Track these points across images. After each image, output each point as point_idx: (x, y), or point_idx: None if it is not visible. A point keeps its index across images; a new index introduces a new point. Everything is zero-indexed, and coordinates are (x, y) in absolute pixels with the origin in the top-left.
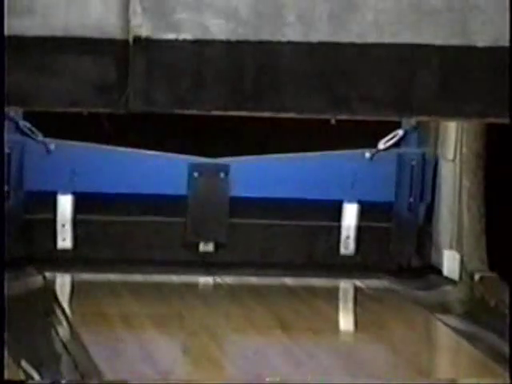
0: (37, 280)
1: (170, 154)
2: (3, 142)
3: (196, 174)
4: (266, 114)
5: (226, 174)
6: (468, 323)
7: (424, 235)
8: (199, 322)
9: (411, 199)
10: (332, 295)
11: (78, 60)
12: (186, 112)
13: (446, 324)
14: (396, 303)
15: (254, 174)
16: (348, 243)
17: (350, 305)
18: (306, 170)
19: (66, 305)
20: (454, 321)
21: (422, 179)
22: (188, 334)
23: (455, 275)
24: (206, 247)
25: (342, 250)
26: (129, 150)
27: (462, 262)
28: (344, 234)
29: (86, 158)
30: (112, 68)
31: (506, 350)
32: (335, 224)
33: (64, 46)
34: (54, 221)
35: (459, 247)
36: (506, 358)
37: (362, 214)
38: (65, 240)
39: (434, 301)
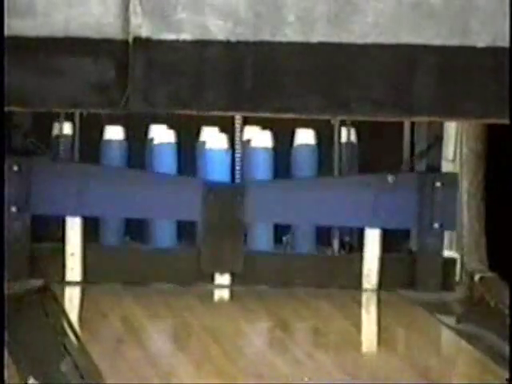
0: (37, 281)
1: (182, 177)
2: (3, 142)
3: (211, 197)
4: (266, 114)
5: (242, 197)
6: (468, 323)
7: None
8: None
9: (435, 225)
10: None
11: (78, 60)
12: (186, 112)
13: (446, 324)
14: (395, 303)
15: (269, 199)
16: (370, 276)
17: (349, 305)
18: (325, 196)
19: (65, 306)
20: (454, 321)
21: (445, 202)
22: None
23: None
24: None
25: (365, 284)
26: (140, 171)
27: (461, 262)
28: (366, 265)
29: (95, 179)
30: (112, 68)
31: (506, 350)
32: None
33: (64, 47)
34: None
35: (459, 247)
36: (505, 358)
37: (385, 243)
38: (73, 270)
39: (434, 301)
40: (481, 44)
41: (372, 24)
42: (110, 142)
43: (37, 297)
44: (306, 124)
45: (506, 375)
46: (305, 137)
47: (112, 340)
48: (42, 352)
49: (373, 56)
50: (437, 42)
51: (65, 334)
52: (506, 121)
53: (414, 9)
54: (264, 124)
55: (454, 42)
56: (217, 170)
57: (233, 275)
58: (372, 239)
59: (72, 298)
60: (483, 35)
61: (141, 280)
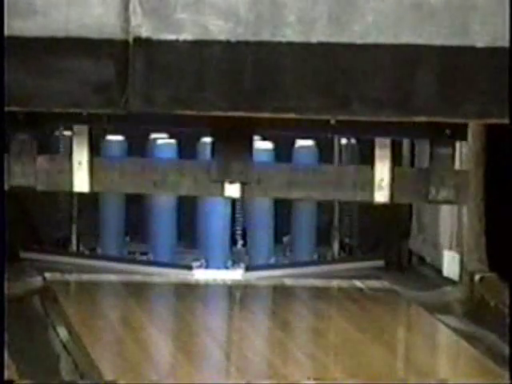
0: (37, 280)
1: None
2: (3, 141)
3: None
4: (266, 115)
5: None
6: (468, 323)
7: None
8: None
9: (447, 132)
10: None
11: (78, 60)
12: (186, 112)
13: (446, 324)
14: (395, 303)
15: None
16: (382, 188)
17: (349, 305)
18: None
19: (65, 306)
20: (454, 321)
21: None
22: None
23: (455, 275)
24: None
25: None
26: None
27: (461, 262)
28: (378, 177)
29: None
30: (112, 68)
31: (506, 350)
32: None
33: (64, 47)
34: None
35: (459, 247)
36: (505, 358)
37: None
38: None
39: (434, 301)
40: (481, 44)
41: (372, 24)
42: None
43: (37, 297)
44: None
45: (506, 375)
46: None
47: (112, 340)
48: (41, 352)
49: (373, 56)
50: (437, 42)
51: (65, 334)
52: (506, 121)
53: (414, 9)
54: (264, 136)
55: (454, 41)
56: None
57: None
58: (383, 149)
59: (72, 298)
60: (483, 35)
61: (147, 191)
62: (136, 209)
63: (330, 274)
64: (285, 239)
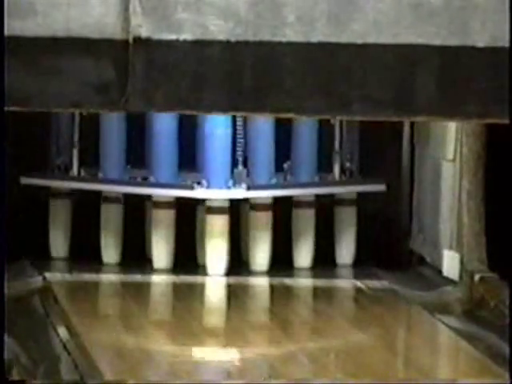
0: (37, 280)
1: None
2: (3, 141)
3: None
4: (266, 115)
5: None
6: (468, 323)
7: None
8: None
9: None
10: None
11: (77, 60)
12: (186, 112)
13: (446, 324)
14: (395, 303)
15: None
16: None
17: (350, 305)
18: None
19: (65, 306)
20: (454, 321)
21: None
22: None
23: (455, 275)
24: None
25: None
26: None
27: (461, 262)
28: None
29: None
30: (112, 68)
31: (506, 350)
32: None
33: (64, 47)
34: None
35: (459, 247)
36: (505, 358)
37: None
38: None
39: (434, 301)
40: (481, 44)
41: (372, 24)
42: None
43: (37, 297)
44: None
45: (506, 375)
46: None
47: (112, 340)
48: (42, 352)
49: (373, 56)
50: (437, 41)
51: (65, 334)
52: (506, 121)
53: (414, 9)
54: None
55: (454, 41)
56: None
57: None
58: None
59: (72, 298)
60: (483, 35)
61: None
62: (137, 134)
63: (331, 195)
64: (285, 165)
